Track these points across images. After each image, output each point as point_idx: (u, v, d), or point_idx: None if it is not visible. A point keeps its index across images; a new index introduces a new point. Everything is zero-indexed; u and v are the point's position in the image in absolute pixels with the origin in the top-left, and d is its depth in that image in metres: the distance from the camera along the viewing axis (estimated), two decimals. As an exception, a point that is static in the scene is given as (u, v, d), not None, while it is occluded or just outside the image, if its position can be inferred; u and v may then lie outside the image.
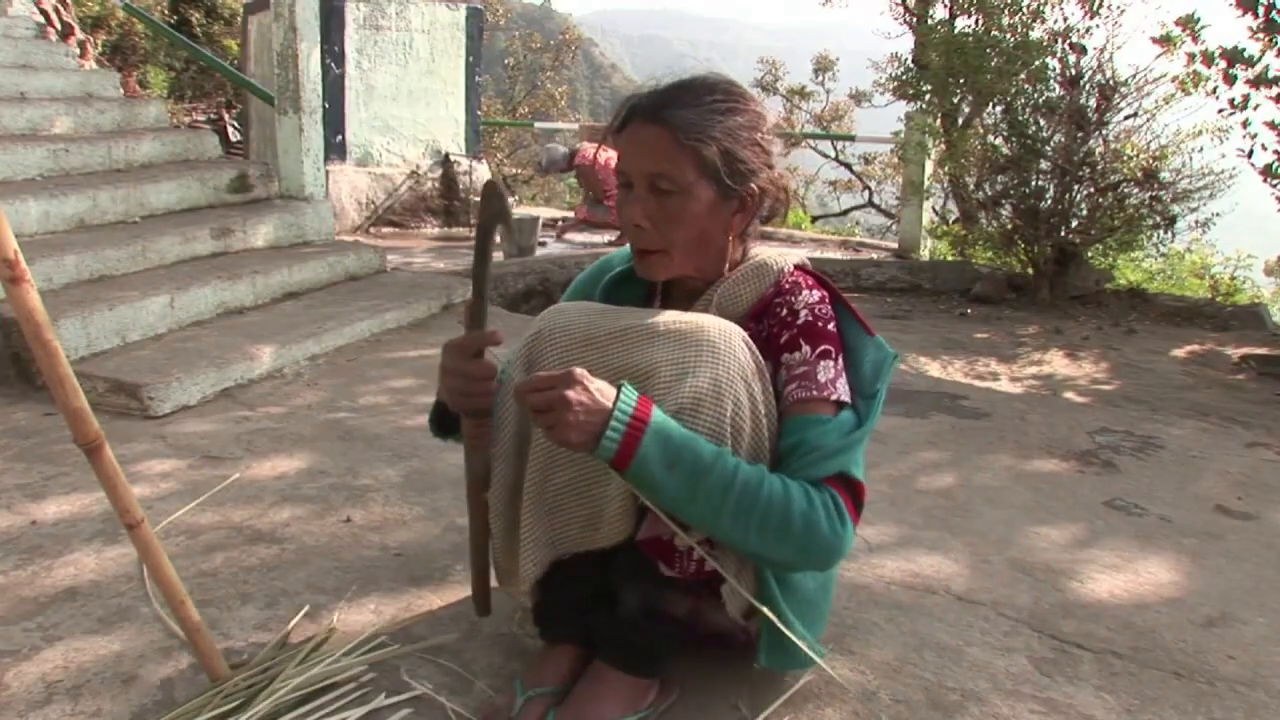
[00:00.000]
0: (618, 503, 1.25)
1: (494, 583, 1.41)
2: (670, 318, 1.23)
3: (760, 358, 1.25)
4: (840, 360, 1.30)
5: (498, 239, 1.26)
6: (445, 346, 1.26)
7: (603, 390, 1.14)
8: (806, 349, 1.28)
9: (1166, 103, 5.29)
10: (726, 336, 1.21)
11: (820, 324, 1.30)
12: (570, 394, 1.11)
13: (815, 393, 1.26)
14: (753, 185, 1.31)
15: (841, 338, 1.33)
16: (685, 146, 1.26)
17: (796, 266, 1.38)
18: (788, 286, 1.34)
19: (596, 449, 1.13)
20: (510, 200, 1.22)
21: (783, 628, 1.24)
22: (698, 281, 1.36)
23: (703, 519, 1.18)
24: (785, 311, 1.32)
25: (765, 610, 1.24)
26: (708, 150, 1.26)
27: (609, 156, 6.69)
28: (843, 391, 1.28)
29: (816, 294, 1.34)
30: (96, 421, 1.20)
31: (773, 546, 1.19)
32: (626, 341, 1.23)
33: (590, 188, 6.92)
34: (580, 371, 1.14)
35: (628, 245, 1.39)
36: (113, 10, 11.47)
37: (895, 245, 7.77)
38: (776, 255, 1.38)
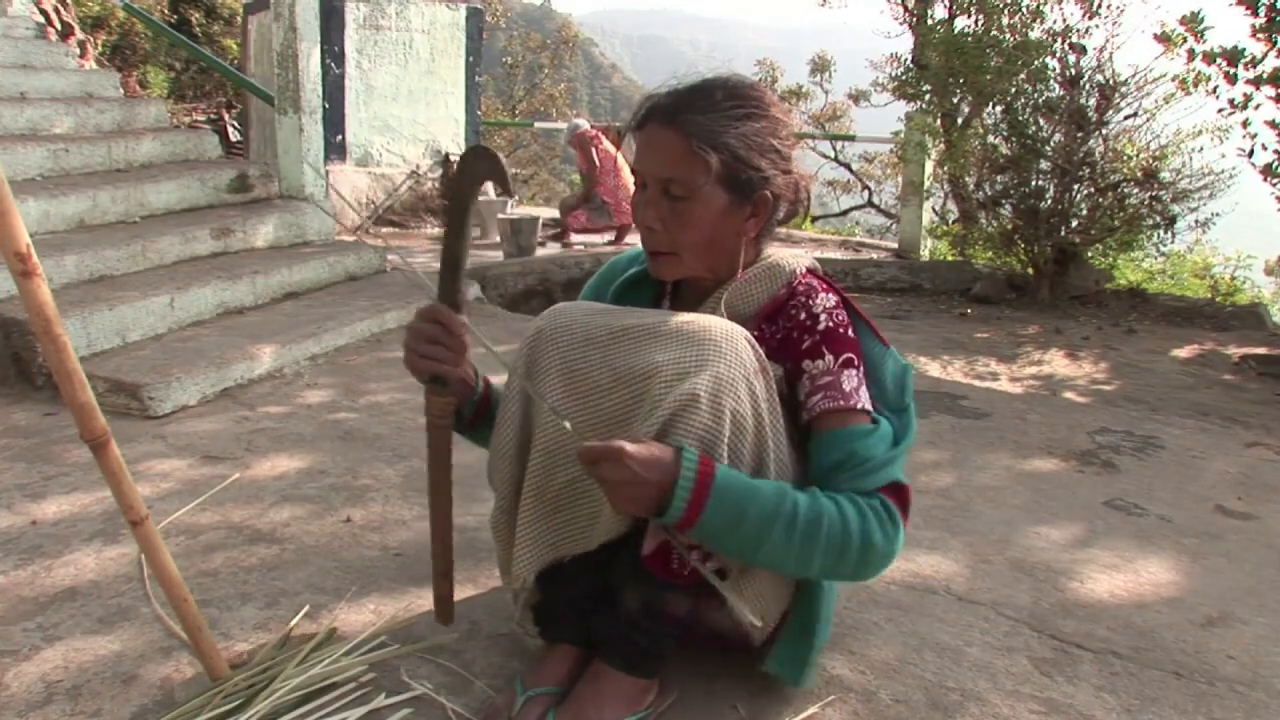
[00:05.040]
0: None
1: (485, 586, 1.41)
2: (672, 318, 1.23)
3: (764, 357, 1.24)
4: (862, 368, 1.31)
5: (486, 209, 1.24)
6: (415, 310, 1.29)
7: (654, 460, 1.12)
8: (830, 357, 1.28)
9: (1166, 102, 5.29)
10: (730, 336, 1.21)
11: (841, 330, 1.31)
12: (610, 474, 1.12)
13: (843, 403, 1.26)
14: (766, 191, 1.31)
15: (860, 345, 1.34)
16: (697, 152, 1.26)
17: (808, 269, 1.38)
18: (801, 289, 1.34)
19: (660, 518, 1.15)
20: (504, 162, 1.20)
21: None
22: (709, 282, 1.37)
23: (767, 563, 1.21)
24: (804, 315, 1.31)
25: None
26: (720, 156, 1.26)
27: (610, 149, 6.76)
28: (865, 400, 1.28)
29: (833, 298, 1.34)
30: (103, 417, 1.20)
31: (833, 569, 1.22)
32: (628, 341, 1.23)
33: (582, 161, 6.94)
34: (620, 448, 1.11)
35: (633, 248, 1.40)
36: (113, 10, 11.48)
37: (895, 245, 7.77)
38: (789, 257, 1.38)
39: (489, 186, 7.94)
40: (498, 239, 6.66)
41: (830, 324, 1.30)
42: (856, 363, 1.29)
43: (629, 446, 1.12)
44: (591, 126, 7.05)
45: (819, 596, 1.33)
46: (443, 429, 1.31)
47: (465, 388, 1.34)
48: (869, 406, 1.28)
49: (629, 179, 6.78)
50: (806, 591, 1.33)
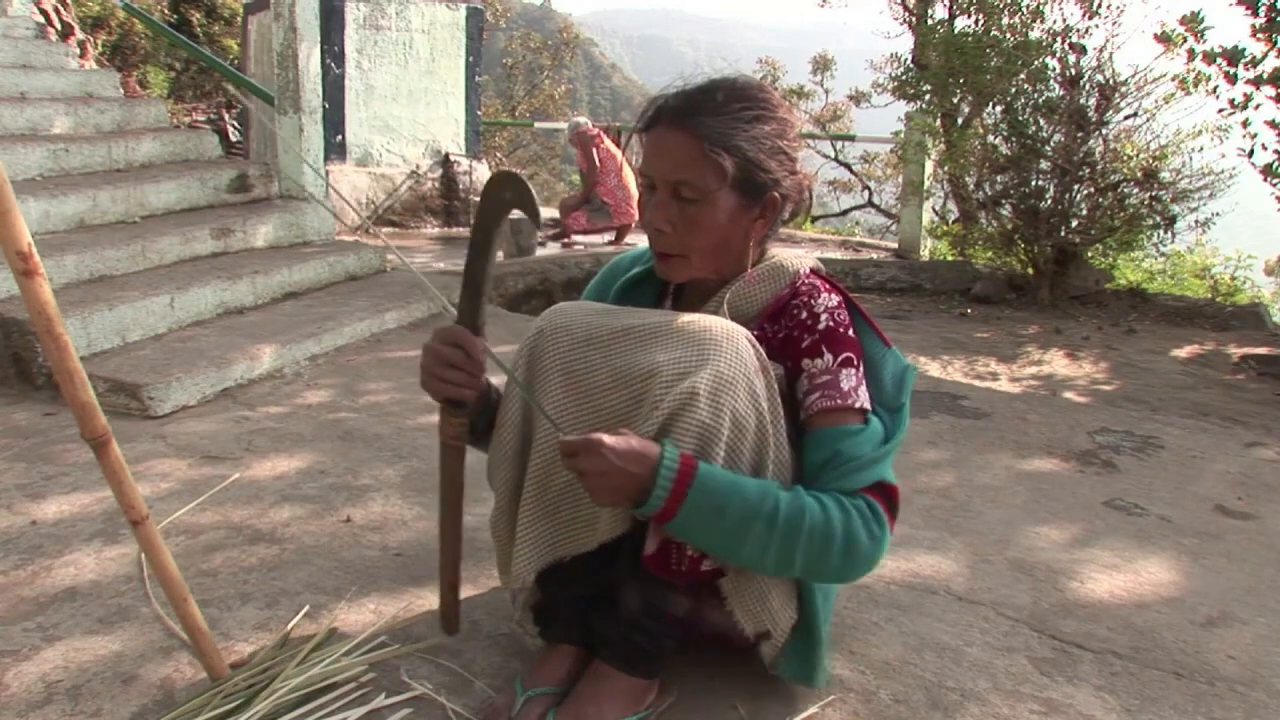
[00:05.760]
0: None
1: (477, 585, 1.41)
2: (673, 319, 1.23)
3: (765, 356, 1.24)
4: (861, 368, 1.31)
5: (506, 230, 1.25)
6: (434, 330, 1.28)
7: (633, 453, 1.14)
8: (829, 356, 1.29)
9: (1166, 102, 5.29)
10: (731, 336, 1.21)
11: (841, 330, 1.31)
12: (589, 466, 1.14)
13: (840, 401, 1.26)
14: (776, 193, 1.31)
15: (860, 345, 1.34)
16: (709, 155, 1.26)
17: (812, 270, 1.39)
18: (804, 289, 1.35)
19: (640, 509, 1.16)
20: (532, 189, 1.20)
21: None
22: (713, 282, 1.37)
23: (748, 562, 1.21)
24: (805, 315, 1.32)
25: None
26: (732, 159, 1.26)
27: (611, 149, 6.80)
28: (864, 399, 1.28)
29: (835, 298, 1.34)
30: (104, 417, 1.20)
31: (816, 569, 1.22)
32: (629, 341, 1.23)
33: (582, 160, 6.97)
34: (599, 440, 1.13)
35: (633, 248, 1.40)
36: (113, 10, 11.48)
37: (895, 245, 7.77)
38: (793, 257, 1.39)
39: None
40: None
41: (831, 323, 1.30)
42: (856, 362, 1.30)
43: (606, 438, 1.14)
44: (593, 126, 7.08)
45: (814, 595, 1.32)
46: (457, 449, 1.31)
47: (480, 404, 1.34)
48: (866, 405, 1.28)
49: (630, 179, 6.78)
50: (802, 593, 1.33)
